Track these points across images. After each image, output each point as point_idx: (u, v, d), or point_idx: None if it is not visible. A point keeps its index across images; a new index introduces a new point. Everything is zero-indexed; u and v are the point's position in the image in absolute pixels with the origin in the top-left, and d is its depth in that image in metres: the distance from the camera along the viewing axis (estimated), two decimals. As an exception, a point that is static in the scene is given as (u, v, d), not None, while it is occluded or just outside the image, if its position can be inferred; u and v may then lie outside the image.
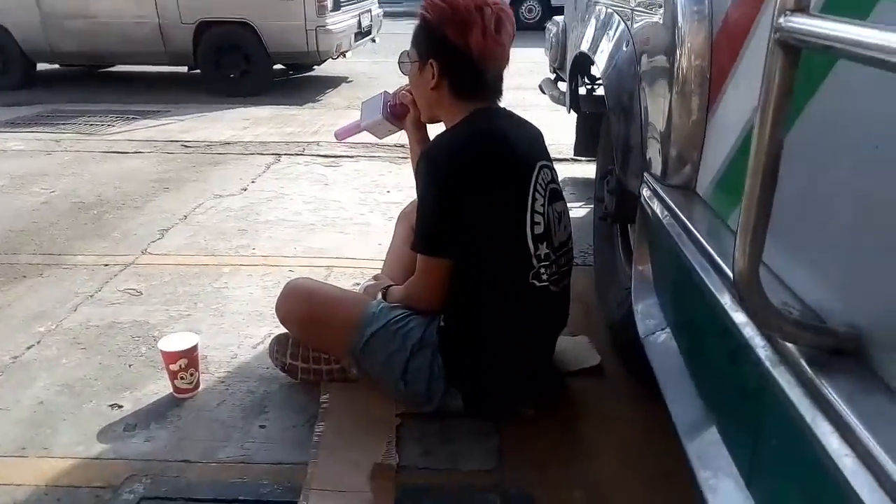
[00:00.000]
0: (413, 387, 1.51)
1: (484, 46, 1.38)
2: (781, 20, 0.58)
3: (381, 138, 1.81)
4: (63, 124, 4.63)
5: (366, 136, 1.83)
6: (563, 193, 1.59)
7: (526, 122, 1.58)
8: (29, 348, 1.88)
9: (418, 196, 1.48)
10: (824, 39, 0.53)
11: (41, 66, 6.37)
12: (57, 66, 6.64)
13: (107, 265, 2.40)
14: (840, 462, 0.59)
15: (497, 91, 1.50)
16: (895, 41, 0.46)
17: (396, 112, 1.67)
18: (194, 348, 1.64)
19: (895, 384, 0.63)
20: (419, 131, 1.65)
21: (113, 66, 6.75)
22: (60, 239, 2.65)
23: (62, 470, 1.42)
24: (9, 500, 1.34)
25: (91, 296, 2.18)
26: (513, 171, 1.43)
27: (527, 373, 1.55)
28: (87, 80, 6.69)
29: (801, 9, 0.57)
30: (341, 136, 1.83)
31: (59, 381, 1.73)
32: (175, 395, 1.66)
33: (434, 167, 1.40)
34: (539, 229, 1.43)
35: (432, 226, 1.43)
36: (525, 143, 1.50)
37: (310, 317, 1.60)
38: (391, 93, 1.70)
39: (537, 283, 1.44)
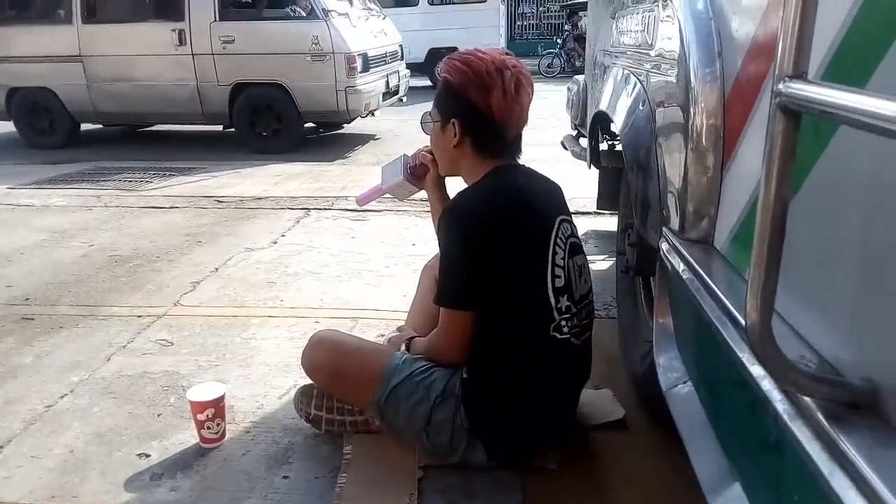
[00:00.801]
0: (436, 438, 1.51)
1: (504, 107, 1.44)
2: (781, 86, 0.61)
3: (402, 200, 1.87)
4: (104, 181, 4.84)
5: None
6: (584, 247, 1.61)
7: (545, 177, 1.62)
8: (62, 397, 1.93)
9: (441, 251, 1.52)
10: (822, 105, 0.56)
11: (85, 126, 6.69)
12: (100, 125, 6.96)
13: (140, 316, 2.47)
14: (859, 518, 0.59)
15: (516, 149, 1.55)
16: (888, 109, 0.49)
17: (417, 172, 1.73)
18: (221, 398, 1.67)
19: (912, 438, 0.63)
20: (439, 190, 1.71)
21: (152, 125, 7.05)
22: (97, 291, 2.75)
23: (90, 519, 1.45)
24: (37, 548, 1.37)
25: (124, 346, 2.24)
26: (533, 226, 1.46)
27: (549, 425, 1.55)
28: (127, 139, 7.00)
29: (799, 75, 0.61)
30: (363, 201, 1.90)
31: (90, 430, 1.77)
32: (201, 444, 1.68)
33: (456, 223, 1.45)
34: (560, 282, 1.45)
35: (454, 280, 1.46)
36: (545, 198, 1.54)
37: (335, 368, 1.63)
38: (410, 155, 1.77)
39: (558, 336, 1.46)
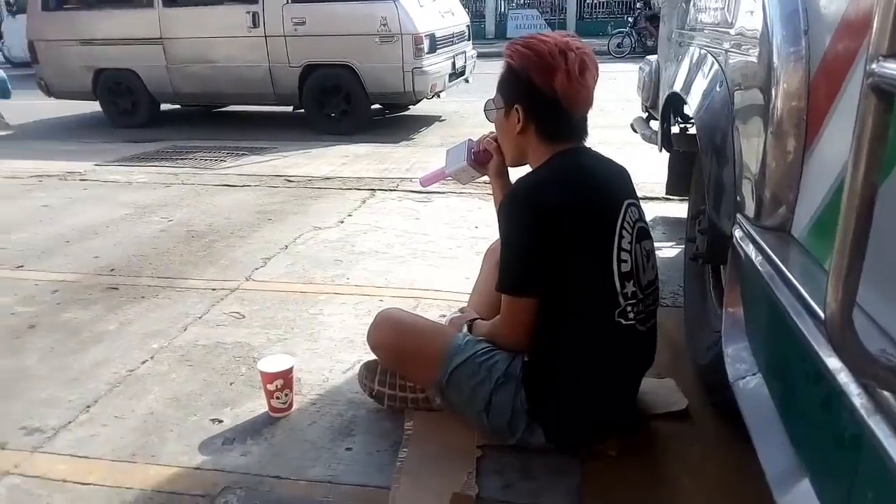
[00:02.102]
0: (496, 419, 1.52)
1: (569, 89, 1.41)
2: (874, 65, 0.58)
3: (464, 184, 1.87)
4: (181, 159, 5.05)
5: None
6: (652, 233, 1.57)
7: (612, 161, 1.58)
8: (143, 363, 2.05)
9: (501, 237, 1.50)
10: (917, 85, 0.53)
11: (165, 107, 6.99)
12: (178, 106, 7.25)
13: (214, 289, 2.59)
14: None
15: (583, 131, 1.51)
16: None
17: (480, 158, 1.72)
18: (289, 370, 1.73)
19: None
20: (501, 178, 1.69)
21: (227, 106, 7.29)
22: (175, 264, 2.89)
23: (167, 477, 1.54)
24: (118, 501, 1.47)
25: (200, 317, 2.35)
26: (599, 210, 1.43)
27: (610, 411, 1.53)
28: (204, 119, 7.27)
29: (894, 54, 0.57)
30: (426, 182, 1.91)
31: (169, 395, 1.87)
32: (270, 414, 1.76)
33: (516, 210, 1.44)
34: (626, 267, 1.42)
35: (515, 267, 1.46)
36: (612, 181, 1.51)
37: (399, 346, 1.66)
38: (475, 140, 1.76)
39: (623, 322, 1.44)
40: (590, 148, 1.55)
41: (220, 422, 1.75)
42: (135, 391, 1.90)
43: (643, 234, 1.49)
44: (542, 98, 1.43)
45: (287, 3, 5.89)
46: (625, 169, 1.59)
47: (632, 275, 1.43)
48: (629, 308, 1.43)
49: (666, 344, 2.03)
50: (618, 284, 1.42)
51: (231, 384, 1.92)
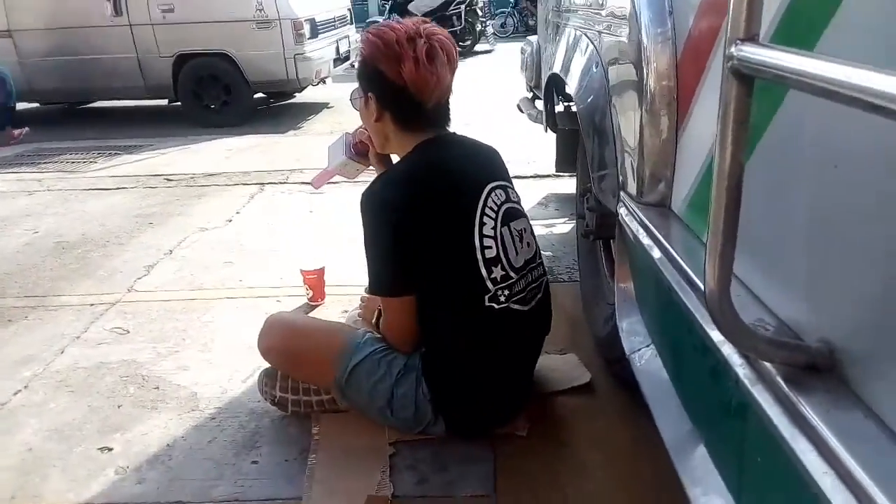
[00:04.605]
0: (400, 413, 1.51)
1: (417, 78, 1.38)
2: (733, 49, 0.60)
3: (352, 178, 1.83)
4: (45, 163, 4.62)
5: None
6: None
7: (479, 144, 1.58)
8: (16, 394, 1.86)
9: (364, 239, 1.47)
10: (773, 69, 0.55)
11: (20, 106, 6.35)
12: (36, 104, 6.62)
13: (93, 304, 2.39)
14: (821, 481, 0.60)
15: (442, 119, 1.50)
16: (836, 73, 0.48)
17: (359, 150, 1.70)
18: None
19: (870, 399, 0.64)
20: (383, 165, 1.65)
21: (93, 102, 6.74)
22: (45, 280, 2.64)
23: (53, 518, 1.41)
24: (-1, 552, 1.33)
25: (77, 337, 2.16)
26: (453, 200, 1.42)
27: (506, 393, 1.55)
28: (67, 117, 6.68)
29: (751, 38, 0.59)
30: (317, 183, 1.86)
31: (48, 427, 1.71)
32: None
33: (371, 211, 1.42)
34: (490, 253, 1.42)
35: (381, 268, 1.45)
36: (471, 168, 1.49)
37: (291, 350, 1.61)
38: (352, 133, 1.72)
39: (496, 306, 1.43)
40: (454, 134, 1.54)
41: (110, 450, 1.62)
42: (7, 426, 1.72)
43: (512, 215, 1.49)
44: (392, 87, 1.41)
45: (152, -12, 5.49)
46: (494, 151, 1.60)
47: (498, 259, 1.43)
48: (499, 292, 1.43)
49: (565, 319, 2.09)
50: (483, 271, 1.41)
51: (119, 407, 1.78)
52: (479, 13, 10.34)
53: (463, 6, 9.91)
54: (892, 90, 0.41)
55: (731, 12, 0.60)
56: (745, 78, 0.60)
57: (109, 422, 1.72)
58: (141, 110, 6.68)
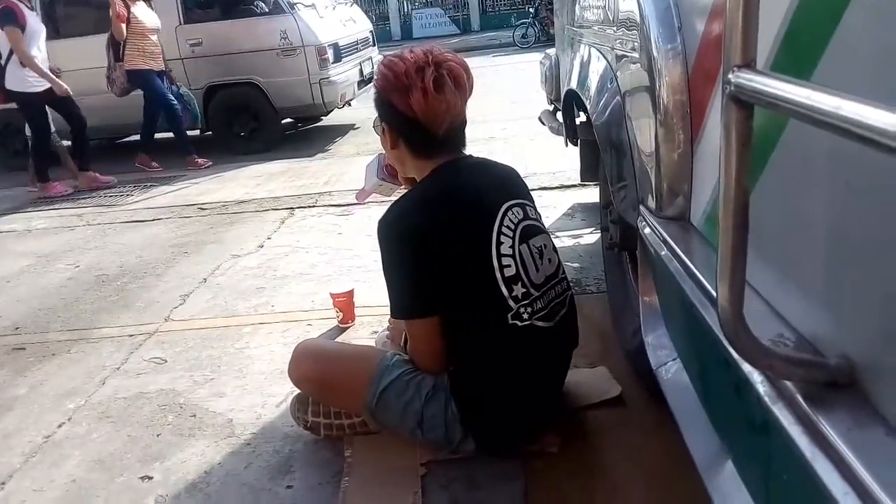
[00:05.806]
0: (430, 434, 1.51)
1: (426, 108, 1.41)
2: (731, 76, 0.60)
3: (388, 196, 1.88)
4: (84, 198, 4.79)
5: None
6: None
7: (495, 165, 1.60)
8: (60, 426, 1.93)
9: (382, 263, 1.49)
10: (768, 97, 0.55)
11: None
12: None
13: (132, 335, 2.46)
14: (843, 502, 0.59)
15: (456, 143, 1.52)
16: (827, 103, 0.48)
17: (391, 171, 1.75)
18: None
19: (891, 416, 0.63)
20: (412, 186, 1.68)
21: (129, 136, 6.95)
22: (86, 313, 2.73)
23: (98, 548, 1.45)
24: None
25: (118, 368, 2.23)
26: (467, 222, 1.44)
27: (534, 410, 1.55)
28: (104, 152, 6.90)
29: (748, 64, 0.59)
30: (360, 198, 1.97)
31: (91, 458, 1.77)
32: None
33: (387, 238, 1.44)
34: (510, 271, 1.42)
35: (400, 292, 1.47)
36: (487, 188, 1.50)
37: (322, 377, 1.64)
38: (385, 154, 1.76)
39: (519, 324, 1.43)
40: (469, 156, 1.57)
41: (151, 478, 1.66)
42: (53, 459, 1.78)
43: (530, 232, 1.49)
44: (404, 118, 1.45)
45: (180, 24, 5.68)
46: (511, 170, 1.61)
47: (518, 277, 1.43)
48: (522, 310, 1.43)
49: (595, 332, 2.08)
50: (504, 290, 1.42)
51: (158, 436, 1.83)
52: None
53: None
54: (880, 124, 0.42)
55: (726, 39, 0.60)
56: (745, 105, 0.60)
57: (149, 451, 1.77)
58: (175, 142, 6.85)
